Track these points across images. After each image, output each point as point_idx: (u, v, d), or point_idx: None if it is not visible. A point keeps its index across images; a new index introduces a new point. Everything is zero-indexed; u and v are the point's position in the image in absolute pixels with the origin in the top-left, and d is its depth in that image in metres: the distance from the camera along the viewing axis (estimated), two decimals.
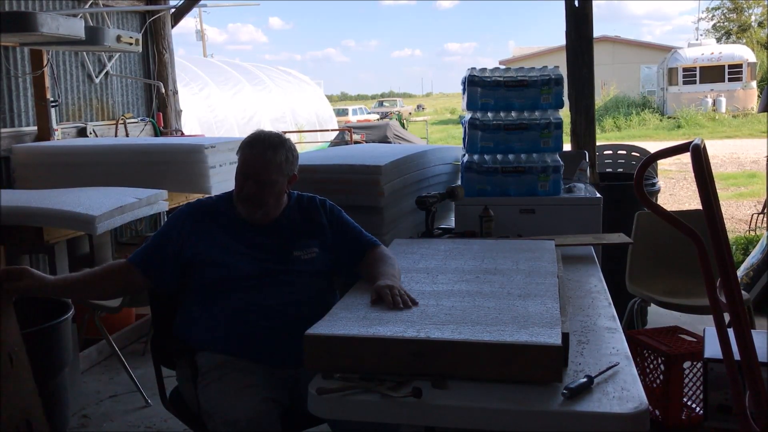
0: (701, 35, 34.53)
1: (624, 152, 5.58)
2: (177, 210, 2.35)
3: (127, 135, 5.86)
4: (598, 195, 3.59)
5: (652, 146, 6.13)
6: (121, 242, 5.23)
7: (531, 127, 3.59)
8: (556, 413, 1.50)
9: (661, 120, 24.29)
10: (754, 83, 25.31)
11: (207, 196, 2.42)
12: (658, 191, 4.94)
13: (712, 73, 25.29)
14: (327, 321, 1.83)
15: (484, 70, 3.72)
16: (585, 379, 1.58)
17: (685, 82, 25.50)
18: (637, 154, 5.47)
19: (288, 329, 2.03)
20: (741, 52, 25.89)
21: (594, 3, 4.72)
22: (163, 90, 6.39)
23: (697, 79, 25.39)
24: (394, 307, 1.92)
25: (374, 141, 15.06)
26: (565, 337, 1.66)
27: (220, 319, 2.17)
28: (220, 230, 2.25)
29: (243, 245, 2.23)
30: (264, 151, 2.22)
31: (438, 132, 27.30)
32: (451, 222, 3.78)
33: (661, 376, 2.98)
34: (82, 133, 5.42)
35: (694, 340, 3.07)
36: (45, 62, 4.85)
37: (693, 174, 1.48)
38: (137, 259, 2.24)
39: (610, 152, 5.60)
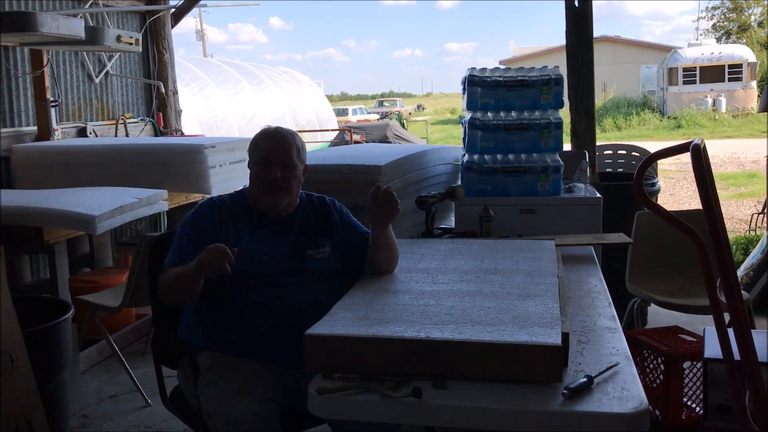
0: (701, 35, 34.59)
1: (624, 152, 5.58)
2: (199, 206, 2.32)
3: (127, 135, 5.86)
4: (598, 195, 3.59)
5: (652, 146, 6.13)
6: (121, 242, 5.23)
7: (531, 127, 3.59)
8: (556, 413, 1.50)
9: (661, 120, 24.29)
10: (754, 83, 25.32)
11: (218, 194, 2.41)
12: (658, 191, 4.94)
13: (712, 73, 25.30)
14: (327, 321, 1.83)
15: (484, 70, 3.72)
16: (585, 379, 1.58)
17: (685, 82, 25.50)
18: (637, 154, 5.47)
19: (297, 329, 2.02)
20: (741, 52, 25.90)
21: (594, 3, 4.72)
22: (163, 90, 6.39)
23: (697, 79, 25.40)
24: (382, 196, 2.21)
25: (374, 141, 15.07)
26: (565, 337, 1.66)
27: (229, 318, 2.17)
28: (237, 229, 2.26)
29: (257, 243, 2.24)
30: (279, 137, 2.30)
31: (438, 132, 27.30)
32: (451, 222, 3.78)
33: (661, 376, 2.98)
34: (82, 133, 5.43)
35: (694, 340, 3.07)
36: (45, 62, 4.86)
37: (693, 174, 1.48)
38: (178, 261, 2.16)
39: (610, 152, 5.60)
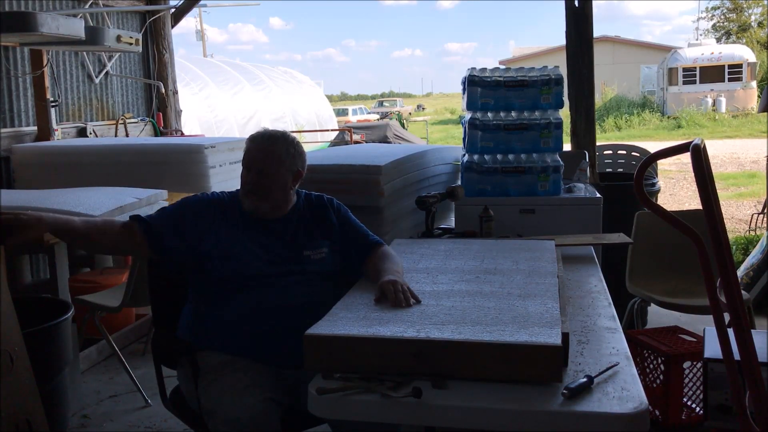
0: (701, 35, 34.59)
1: (624, 152, 5.57)
2: (199, 195, 2.35)
3: (127, 135, 5.86)
4: (598, 195, 3.59)
5: (652, 146, 6.13)
6: None
7: (531, 127, 3.59)
8: (556, 413, 1.50)
9: (661, 120, 24.29)
10: (754, 83, 25.31)
11: (219, 191, 2.42)
12: (658, 191, 4.94)
13: (712, 73, 25.29)
14: (327, 321, 1.83)
15: (484, 70, 3.72)
16: (585, 379, 1.58)
17: (685, 82, 25.49)
18: (637, 154, 5.46)
19: (296, 329, 2.03)
20: (741, 52, 25.89)
21: (594, 3, 4.72)
22: (163, 90, 6.39)
23: (697, 79, 25.39)
24: (397, 305, 1.93)
25: (374, 141, 15.07)
26: (565, 337, 1.66)
27: (229, 318, 2.17)
28: (232, 227, 2.26)
29: (254, 244, 2.24)
30: (262, 143, 2.28)
31: (438, 132, 27.30)
32: (451, 222, 3.78)
33: (661, 376, 2.98)
34: (82, 133, 5.43)
35: (694, 340, 3.07)
36: (45, 62, 4.86)
37: (693, 174, 1.48)
38: (143, 220, 2.20)
39: (610, 152, 5.60)
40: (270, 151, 2.26)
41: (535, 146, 3.62)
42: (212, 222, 2.25)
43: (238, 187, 2.39)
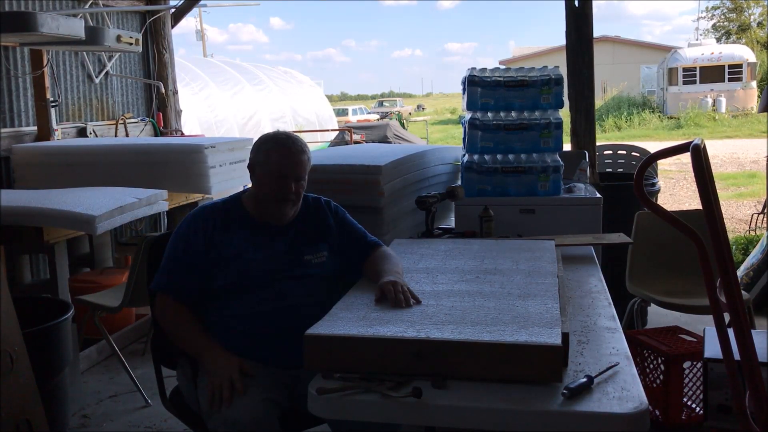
0: (701, 35, 34.60)
1: (624, 152, 5.57)
2: (187, 219, 2.31)
3: (127, 135, 5.86)
4: (598, 195, 3.59)
5: (652, 146, 6.13)
6: (121, 242, 5.23)
7: (531, 127, 3.59)
8: (556, 413, 1.50)
9: (661, 120, 24.29)
10: (754, 83, 25.31)
11: (209, 199, 2.41)
12: (658, 191, 4.94)
13: (712, 73, 25.29)
14: (327, 321, 1.83)
15: (484, 70, 3.72)
16: (585, 379, 1.58)
17: (685, 82, 25.49)
18: (637, 154, 5.46)
19: (297, 331, 2.03)
20: (741, 52, 25.90)
21: (594, 3, 4.72)
22: (163, 90, 6.39)
23: (697, 79, 25.39)
24: (397, 305, 1.93)
25: (374, 141, 15.07)
26: (565, 337, 1.66)
27: (230, 320, 2.17)
28: (232, 233, 2.25)
29: (255, 248, 2.24)
30: (298, 152, 2.27)
31: (438, 132, 27.30)
32: (451, 222, 3.78)
33: (661, 376, 2.98)
34: (82, 133, 5.42)
35: (694, 340, 3.07)
36: (45, 62, 4.85)
37: (693, 174, 1.48)
38: (169, 289, 2.21)
39: (610, 152, 5.60)
40: (303, 160, 2.28)
41: (535, 146, 3.62)
42: (211, 235, 2.23)
43: (235, 192, 2.39)
